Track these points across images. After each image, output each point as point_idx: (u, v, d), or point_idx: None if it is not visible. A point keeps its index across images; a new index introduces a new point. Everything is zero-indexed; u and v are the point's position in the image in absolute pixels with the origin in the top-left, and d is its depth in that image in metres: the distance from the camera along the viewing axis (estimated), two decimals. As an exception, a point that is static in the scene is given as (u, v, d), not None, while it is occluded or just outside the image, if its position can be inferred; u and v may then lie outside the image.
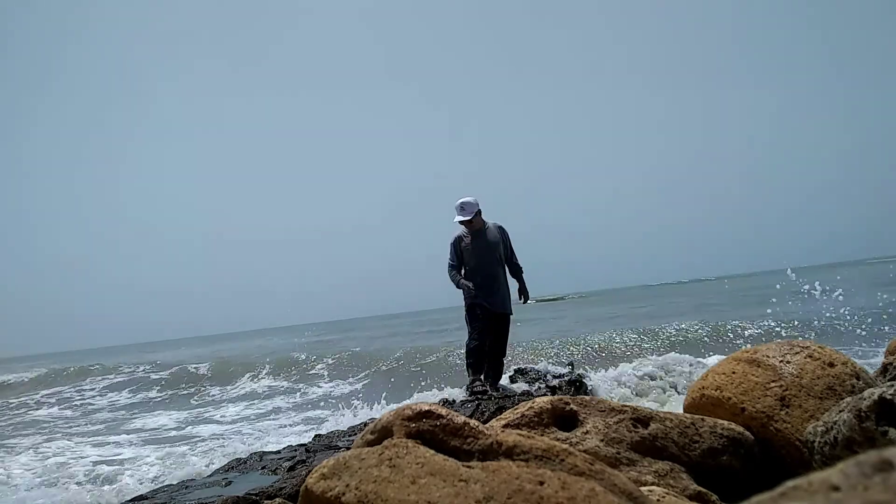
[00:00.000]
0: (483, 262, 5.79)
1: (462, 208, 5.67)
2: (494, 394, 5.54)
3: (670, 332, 12.06)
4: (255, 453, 4.56)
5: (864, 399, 1.89)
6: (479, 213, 5.76)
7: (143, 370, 16.79)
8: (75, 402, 13.61)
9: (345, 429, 5.43)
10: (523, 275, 6.08)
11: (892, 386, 1.85)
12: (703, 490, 2.16)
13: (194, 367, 15.07)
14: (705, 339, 11.56)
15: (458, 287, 5.88)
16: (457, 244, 5.87)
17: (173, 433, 8.75)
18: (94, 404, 13.31)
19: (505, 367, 6.21)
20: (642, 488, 1.91)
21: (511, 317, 6.03)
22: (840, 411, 2.01)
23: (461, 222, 5.73)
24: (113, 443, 8.22)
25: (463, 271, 5.90)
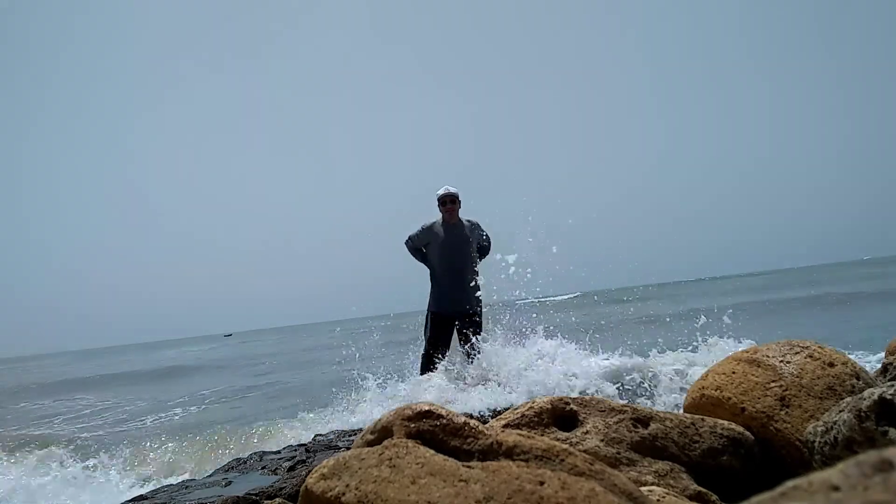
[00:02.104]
0: (454, 258, 5.51)
1: (447, 190, 5.55)
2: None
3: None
4: (255, 453, 4.55)
5: (864, 399, 1.89)
6: (459, 202, 5.58)
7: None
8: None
9: (345, 429, 5.42)
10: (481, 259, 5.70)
11: (892, 386, 1.85)
12: (703, 490, 2.16)
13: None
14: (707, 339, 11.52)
15: (413, 254, 5.64)
16: (428, 229, 5.56)
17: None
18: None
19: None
20: (642, 488, 1.91)
21: (480, 315, 5.70)
22: (840, 411, 2.01)
23: (444, 195, 5.49)
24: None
25: (431, 268, 5.64)
